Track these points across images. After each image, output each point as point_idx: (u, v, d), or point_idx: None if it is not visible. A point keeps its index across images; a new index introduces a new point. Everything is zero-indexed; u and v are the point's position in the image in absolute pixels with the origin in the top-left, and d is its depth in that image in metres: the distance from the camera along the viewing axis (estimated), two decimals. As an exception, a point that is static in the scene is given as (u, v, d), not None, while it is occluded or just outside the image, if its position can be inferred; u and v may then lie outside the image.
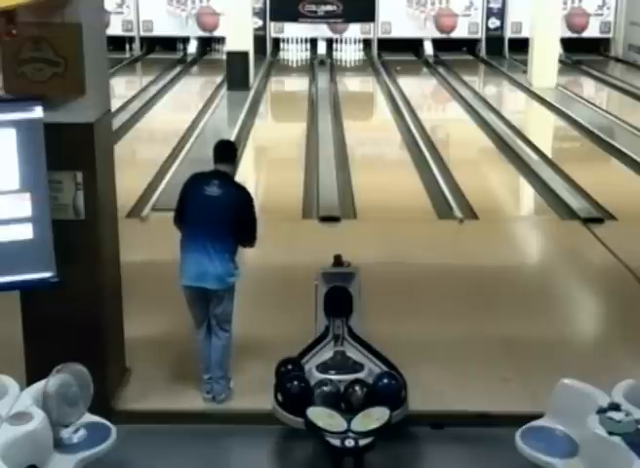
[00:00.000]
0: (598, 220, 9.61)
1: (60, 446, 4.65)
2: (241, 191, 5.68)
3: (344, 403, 5.10)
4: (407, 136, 14.16)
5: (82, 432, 4.74)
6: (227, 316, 5.69)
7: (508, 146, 13.32)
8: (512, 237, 9.60)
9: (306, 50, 23.27)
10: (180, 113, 16.71)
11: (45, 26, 4.97)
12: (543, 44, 18.46)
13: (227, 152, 5.72)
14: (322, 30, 22.40)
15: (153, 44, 23.35)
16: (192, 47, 22.90)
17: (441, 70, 20.90)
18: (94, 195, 5.31)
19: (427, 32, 23.12)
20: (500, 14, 23.13)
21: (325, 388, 5.20)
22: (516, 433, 4.84)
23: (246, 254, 7.60)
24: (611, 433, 4.41)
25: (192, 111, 15.84)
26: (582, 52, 22.44)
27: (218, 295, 5.58)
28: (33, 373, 5.19)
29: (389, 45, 22.98)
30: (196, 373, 5.87)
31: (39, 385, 4.74)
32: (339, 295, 6.14)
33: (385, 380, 5.30)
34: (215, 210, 5.49)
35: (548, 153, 13.18)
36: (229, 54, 17.80)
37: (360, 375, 5.36)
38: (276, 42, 23.32)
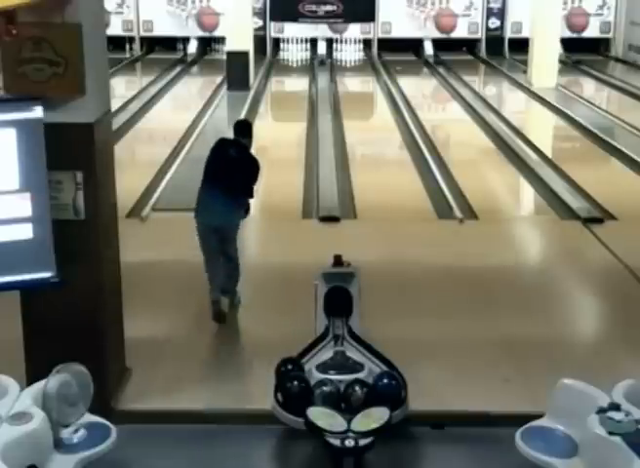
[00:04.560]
0: (598, 220, 9.60)
1: (59, 446, 4.65)
2: (252, 158, 7.03)
3: (344, 403, 5.10)
4: (407, 136, 14.15)
5: (82, 432, 4.74)
6: (235, 250, 6.97)
7: (508, 146, 13.31)
8: (512, 237, 9.59)
9: (306, 50, 23.27)
10: (180, 113, 16.71)
11: (45, 26, 4.97)
12: (543, 44, 18.46)
13: (245, 129, 7.14)
14: (322, 30, 22.41)
15: (153, 44, 23.36)
16: (192, 47, 22.90)
17: (441, 70, 20.89)
18: (94, 195, 5.30)
19: (427, 32, 23.13)
20: (500, 14, 23.14)
21: (325, 388, 5.19)
22: (516, 433, 4.83)
23: (246, 255, 7.61)
24: (611, 433, 4.40)
25: (192, 111, 15.82)
26: (582, 52, 22.45)
27: (226, 231, 6.85)
28: (33, 373, 5.19)
29: (389, 45, 22.98)
30: (196, 374, 5.87)
31: (39, 385, 4.73)
32: (339, 295, 6.14)
33: (385, 380, 5.30)
34: (232, 168, 6.81)
35: (548, 153, 13.17)
36: (229, 54, 17.79)
37: (360, 375, 5.36)
38: (276, 42, 23.32)
